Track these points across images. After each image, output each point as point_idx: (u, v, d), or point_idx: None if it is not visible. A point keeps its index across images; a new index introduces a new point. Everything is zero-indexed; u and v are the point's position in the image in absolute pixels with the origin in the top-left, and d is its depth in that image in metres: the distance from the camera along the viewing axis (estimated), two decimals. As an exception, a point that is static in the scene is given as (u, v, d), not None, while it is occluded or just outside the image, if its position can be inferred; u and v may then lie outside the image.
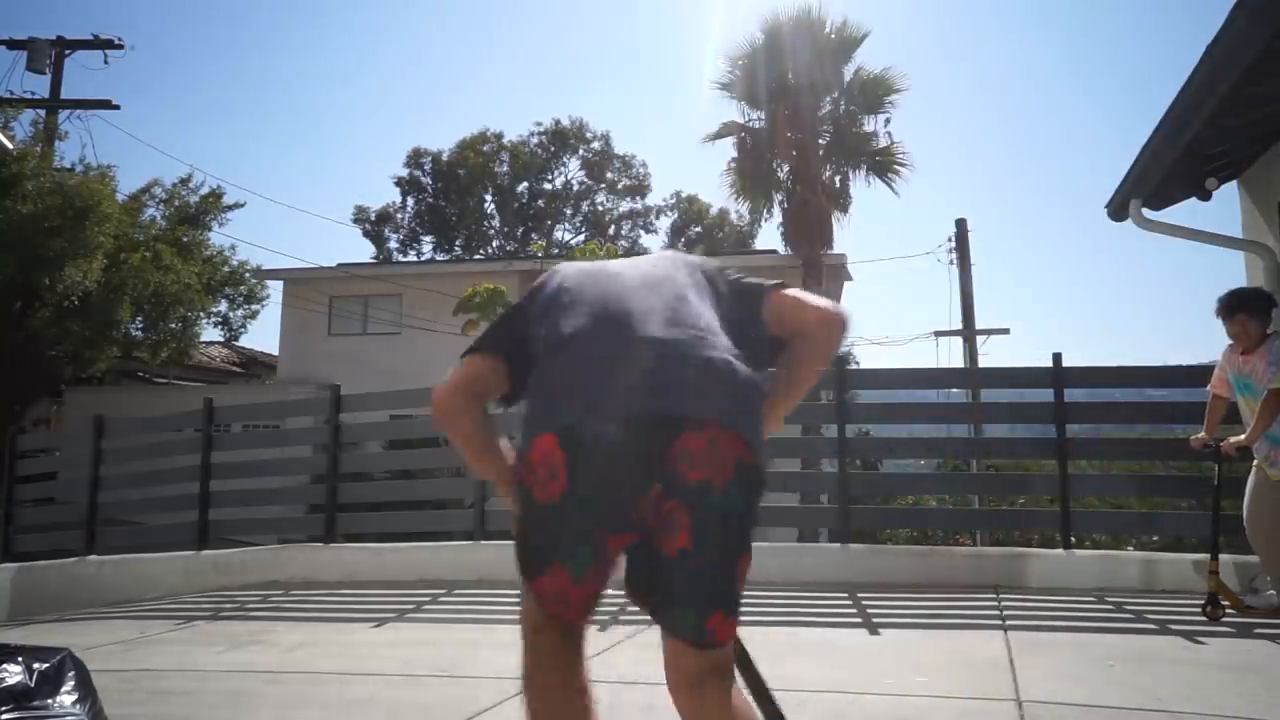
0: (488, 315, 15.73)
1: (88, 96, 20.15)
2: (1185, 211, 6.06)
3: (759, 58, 15.48)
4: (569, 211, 35.23)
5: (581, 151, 34.61)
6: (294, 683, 3.80)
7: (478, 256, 31.96)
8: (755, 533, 1.70)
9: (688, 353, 1.64)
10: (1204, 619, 4.53)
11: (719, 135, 16.34)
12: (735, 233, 31.63)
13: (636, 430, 1.56)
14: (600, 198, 35.17)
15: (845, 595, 5.41)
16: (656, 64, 77.72)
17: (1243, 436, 4.57)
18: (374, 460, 10.63)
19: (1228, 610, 4.57)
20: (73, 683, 2.38)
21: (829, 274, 16.84)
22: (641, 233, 34.95)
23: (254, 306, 22.44)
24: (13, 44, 19.74)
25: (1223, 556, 4.83)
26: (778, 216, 16.33)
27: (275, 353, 21.98)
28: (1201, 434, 4.85)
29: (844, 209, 16.04)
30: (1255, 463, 4.60)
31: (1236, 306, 4.62)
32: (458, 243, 33.97)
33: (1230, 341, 4.73)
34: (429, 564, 6.64)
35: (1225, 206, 6.15)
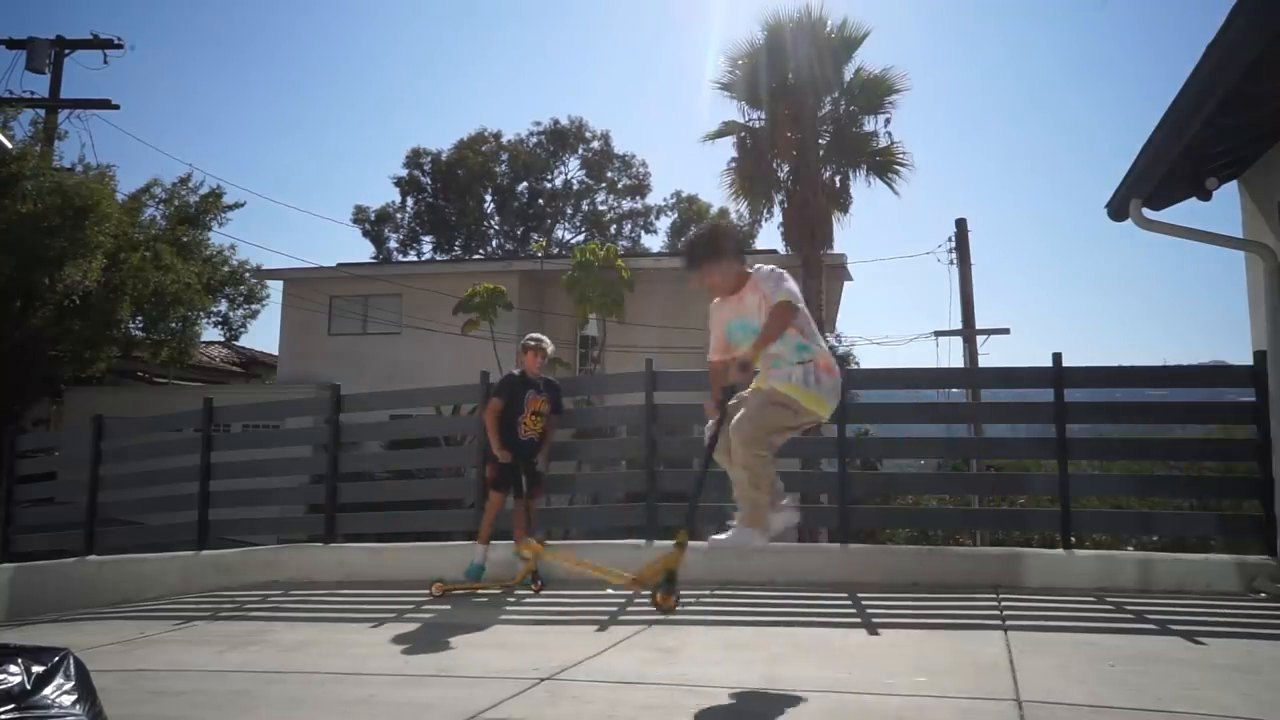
0: (487, 315, 15.76)
1: (87, 96, 20.19)
2: (1185, 211, 6.04)
3: (759, 57, 15.48)
4: (569, 211, 35.21)
5: (581, 151, 34.59)
6: (293, 683, 3.80)
7: (477, 256, 31.95)
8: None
9: None
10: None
11: (719, 135, 16.35)
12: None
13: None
14: (600, 197, 35.15)
15: (845, 595, 5.41)
16: (656, 64, 77.76)
17: (747, 348, 3.72)
18: (374, 460, 10.61)
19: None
20: (72, 683, 2.37)
21: (829, 274, 16.81)
22: (641, 233, 34.99)
23: (254, 306, 22.43)
24: (12, 43, 19.75)
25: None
26: (778, 216, 16.34)
27: (275, 353, 21.97)
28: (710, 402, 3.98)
29: (844, 209, 16.05)
30: (755, 386, 3.90)
31: (693, 261, 3.96)
32: (457, 243, 33.95)
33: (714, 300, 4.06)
34: (429, 564, 6.62)
35: (1225, 206, 6.14)
